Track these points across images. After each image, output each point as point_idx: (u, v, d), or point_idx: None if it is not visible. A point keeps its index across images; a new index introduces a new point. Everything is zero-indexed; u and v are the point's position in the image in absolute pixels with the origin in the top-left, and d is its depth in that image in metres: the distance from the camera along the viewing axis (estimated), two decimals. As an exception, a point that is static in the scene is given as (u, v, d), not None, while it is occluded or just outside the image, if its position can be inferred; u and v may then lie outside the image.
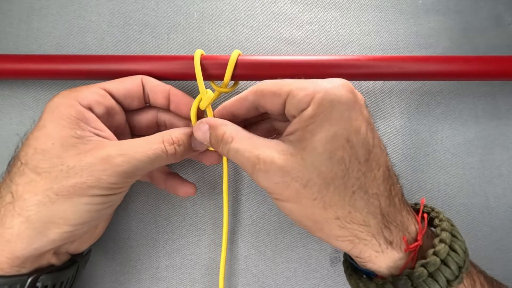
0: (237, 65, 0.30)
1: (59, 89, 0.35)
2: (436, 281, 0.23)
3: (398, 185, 0.25)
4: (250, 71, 0.30)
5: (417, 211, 0.27)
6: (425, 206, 0.28)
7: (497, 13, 0.37)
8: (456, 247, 0.24)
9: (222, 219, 0.34)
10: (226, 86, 0.30)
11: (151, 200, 0.34)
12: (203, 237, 0.34)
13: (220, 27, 0.36)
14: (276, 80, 0.26)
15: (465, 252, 0.24)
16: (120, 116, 0.30)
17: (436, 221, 0.26)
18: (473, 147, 0.36)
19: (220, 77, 0.31)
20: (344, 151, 0.22)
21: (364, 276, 0.27)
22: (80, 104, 0.26)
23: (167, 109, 0.31)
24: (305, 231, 0.34)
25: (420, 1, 0.37)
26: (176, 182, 0.32)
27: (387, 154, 0.25)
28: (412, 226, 0.25)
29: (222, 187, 0.35)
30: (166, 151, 0.26)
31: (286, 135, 0.25)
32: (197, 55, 0.30)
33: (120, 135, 0.30)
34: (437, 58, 0.32)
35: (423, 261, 0.23)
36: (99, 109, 0.27)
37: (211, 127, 0.27)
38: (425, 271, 0.23)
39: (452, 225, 0.26)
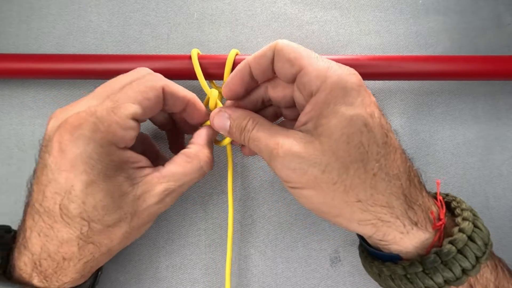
0: (235, 65, 0.30)
1: (59, 89, 0.35)
2: (466, 257, 0.23)
3: (414, 168, 0.25)
4: None
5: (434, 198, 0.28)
6: (447, 195, 0.28)
7: (497, 13, 0.37)
8: (479, 224, 0.24)
9: (222, 219, 0.34)
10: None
11: (151, 200, 0.34)
12: (203, 237, 0.34)
13: (220, 27, 0.36)
14: (293, 44, 0.25)
15: (488, 231, 0.24)
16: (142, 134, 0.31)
17: (458, 211, 0.26)
18: (473, 147, 0.36)
19: (218, 77, 0.31)
20: (362, 135, 0.22)
21: (380, 261, 0.26)
22: (118, 147, 0.25)
23: (177, 113, 0.30)
24: (305, 231, 0.34)
25: (420, 1, 0.37)
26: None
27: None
28: (433, 207, 0.25)
29: (222, 187, 0.35)
30: (205, 171, 0.28)
31: (301, 125, 0.25)
32: (194, 55, 0.30)
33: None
34: (437, 57, 0.32)
35: (450, 238, 0.23)
36: (132, 143, 0.26)
37: (232, 117, 0.27)
38: (454, 247, 0.23)
39: (474, 214, 0.26)
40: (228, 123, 0.27)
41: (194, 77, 0.31)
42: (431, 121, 0.36)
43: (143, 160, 0.27)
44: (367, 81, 0.34)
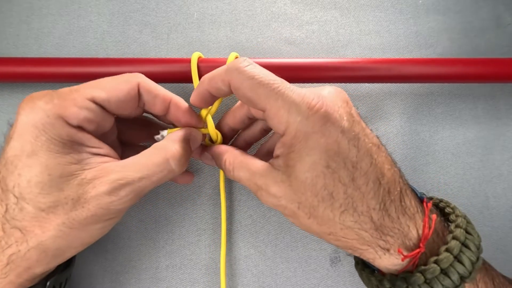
0: None
1: (60, 88, 0.35)
2: (449, 277, 0.23)
3: (397, 190, 0.24)
4: None
5: (434, 204, 0.28)
6: (441, 200, 0.28)
7: (497, 13, 0.37)
8: (469, 243, 0.24)
9: (222, 219, 0.34)
10: None
11: (151, 200, 0.34)
12: (203, 237, 0.34)
13: (220, 27, 0.36)
14: (248, 79, 0.23)
15: (479, 248, 0.24)
16: (110, 124, 0.27)
17: (452, 217, 0.26)
18: (473, 147, 0.36)
19: None
20: (325, 178, 0.23)
21: (373, 270, 0.27)
22: (69, 124, 0.23)
23: (161, 115, 0.29)
24: (304, 231, 0.34)
25: (420, 1, 0.37)
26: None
27: (383, 156, 0.24)
28: (414, 231, 0.24)
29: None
30: (174, 169, 0.25)
31: (275, 157, 0.25)
32: (194, 59, 0.30)
33: (110, 144, 0.27)
34: (436, 60, 0.33)
35: (435, 257, 0.23)
36: (91, 127, 0.25)
37: (213, 157, 0.29)
38: (438, 267, 0.23)
39: (468, 221, 0.26)
40: (214, 163, 0.30)
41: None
42: (431, 121, 0.36)
43: (104, 148, 0.25)
44: (366, 84, 0.34)
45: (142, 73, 0.27)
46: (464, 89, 0.36)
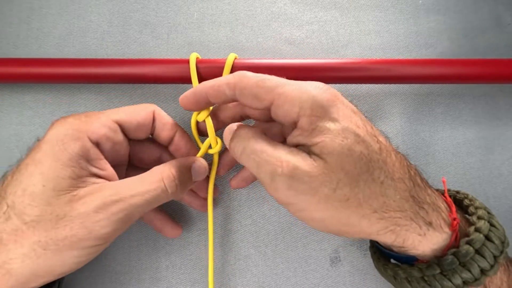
0: (233, 69, 0.30)
1: (59, 90, 0.35)
2: (484, 257, 0.22)
3: (413, 165, 0.25)
4: None
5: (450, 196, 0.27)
6: (457, 192, 0.28)
7: (497, 13, 0.37)
8: (495, 223, 0.24)
9: (222, 219, 0.34)
10: None
11: (151, 200, 0.34)
12: (203, 237, 0.34)
13: (220, 27, 0.36)
14: (255, 78, 0.24)
15: (503, 242, 0.24)
16: (125, 149, 0.28)
17: (472, 209, 0.25)
18: (473, 147, 0.36)
19: None
20: (359, 145, 0.22)
21: (393, 261, 0.26)
22: (89, 138, 0.24)
23: (166, 145, 0.30)
24: (305, 231, 0.34)
25: (420, 1, 0.37)
26: (164, 222, 0.31)
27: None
28: (441, 204, 0.24)
29: (222, 187, 0.35)
30: (167, 189, 0.24)
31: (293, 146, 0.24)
32: (193, 60, 0.30)
33: (118, 167, 0.28)
34: (435, 61, 0.33)
35: (467, 238, 0.23)
36: (107, 145, 0.25)
37: (224, 134, 0.26)
38: (471, 248, 0.22)
39: (488, 212, 0.25)
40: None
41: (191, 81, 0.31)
42: (431, 121, 0.36)
43: (107, 171, 0.25)
44: (366, 84, 0.34)
45: (142, 73, 0.30)
46: (464, 89, 0.36)
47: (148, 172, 0.25)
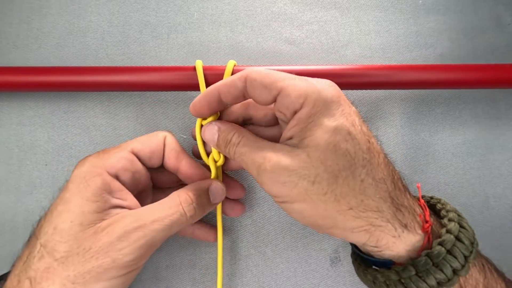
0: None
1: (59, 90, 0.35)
2: (455, 257, 0.23)
3: (397, 171, 0.26)
4: None
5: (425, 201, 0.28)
6: (431, 198, 0.29)
7: (497, 13, 0.37)
8: (465, 224, 0.25)
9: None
10: None
11: (151, 200, 0.34)
12: (203, 237, 0.34)
13: (220, 27, 0.36)
14: (265, 70, 0.25)
15: (473, 242, 0.25)
16: (145, 176, 0.29)
17: (443, 212, 0.26)
18: (473, 147, 0.36)
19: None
20: (347, 143, 0.23)
21: (374, 267, 0.27)
22: (108, 172, 0.25)
23: (173, 169, 0.30)
24: (305, 231, 0.34)
25: (420, 1, 0.37)
26: (206, 231, 0.32)
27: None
28: (417, 208, 0.25)
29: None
30: (185, 213, 0.25)
31: (286, 140, 0.25)
32: (199, 66, 0.30)
33: (143, 192, 0.29)
34: (436, 67, 0.33)
35: (439, 239, 0.24)
36: (126, 176, 0.26)
37: (220, 129, 0.27)
38: (443, 248, 0.23)
39: (459, 215, 0.26)
40: (217, 135, 0.27)
41: (191, 88, 0.31)
42: (431, 121, 0.36)
43: (128, 201, 0.26)
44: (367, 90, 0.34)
45: (145, 81, 0.31)
46: (464, 90, 0.36)
47: (167, 197, 0.26)
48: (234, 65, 0.31)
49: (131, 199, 0.26)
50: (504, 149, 0.36)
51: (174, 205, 0.25)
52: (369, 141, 0.24)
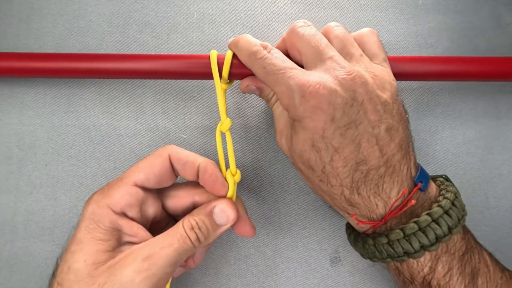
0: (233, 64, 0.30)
1: (59, 89, 0.35)
2: (440, 226, 0.25)
3: (378, 176, 0.26)
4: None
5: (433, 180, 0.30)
6: (442, 182, 0.29)
7: (497, 13, 0.37)
8: (457, 203, 0.26)
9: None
10: (226, 82, 0.31)
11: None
12: (203, 237, 0.34)
13: (220, 27, 0.36)
14: (264, 73, 0.27)
15: (460, 219, 0.26)
16: (155, 206, 0.28)
17: (443, 192, 0.28)
18: (473, 147, 0.36)
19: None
20: (310, 154, 0.26)
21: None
22: (113, 211, 0.25)
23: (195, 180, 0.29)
24: (305, 231, 0.34)
25: (420, 1, 0.37)
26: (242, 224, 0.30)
27: (377, 145, 0.25)
28: (382, 209, 0.26)
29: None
30: (189, 238, 0.25)
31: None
32: (214, 56, 0.30)
33: (159, 221, 0.29)
34: (434, 58, 0.32)
35: (428, 211, 0.26)
36: (133, 211, 0.26)
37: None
38: (429, 218, 0.25)
39: (456, 196, 0.27)
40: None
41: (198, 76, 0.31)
42: (431, 121, 0.36)
43: (139, 237, 0.26)
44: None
45: (154, 68, 0.31)
46: (464, 89, 0.36)
47: (176, 224, 0.26)
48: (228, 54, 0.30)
49: (142, 234, 0.26)
50: (504, 149, 0.36)
51: (179, 232, 0.25)
52: (335, 154, 0.26)
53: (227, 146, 0.29)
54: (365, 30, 0.29)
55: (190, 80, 0.35)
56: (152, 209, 0.28)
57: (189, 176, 0.28)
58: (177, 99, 0.35)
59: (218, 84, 0.30)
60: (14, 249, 0.33)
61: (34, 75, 0.32)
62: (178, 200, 0.29)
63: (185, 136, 0.35)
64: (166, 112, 0.35)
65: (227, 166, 0.29)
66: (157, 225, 0.28)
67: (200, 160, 0.27)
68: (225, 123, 0.29)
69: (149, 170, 0.27)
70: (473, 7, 0.37)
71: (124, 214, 0.26)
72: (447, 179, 0.30)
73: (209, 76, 0.30)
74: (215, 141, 0.30)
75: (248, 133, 0.35)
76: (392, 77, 0.28)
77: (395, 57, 0.32)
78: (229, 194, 0.28)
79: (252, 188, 0.35)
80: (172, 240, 0.25)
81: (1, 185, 0.34)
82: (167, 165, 0.27)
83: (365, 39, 0.29)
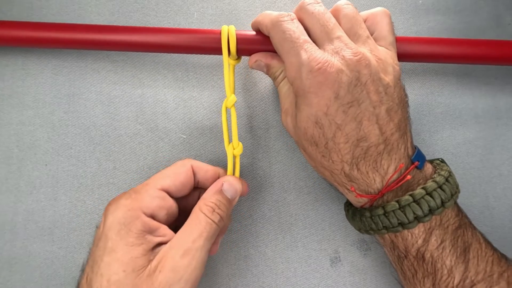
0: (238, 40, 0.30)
1: (60, 89, 0.35)
2: (433, 198, 0.26)
3: (376, 153, 0.27)
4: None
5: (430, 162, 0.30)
6: (438, 164, 0.30)
7: (497, 13, 0.37)
8: (445, 187, 0.27)
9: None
10: (234, 58, 0.31)
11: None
12: (203, 237, 0.34)
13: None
14: (281, 38, 0.27)
15: (453, 195, 0.27)
16: (176, 208, 0.29)
17: (439, 170, 0.29)
18: (473, 147, 0.36)
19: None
20: (313, 130, 0.27)
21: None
22: (145, 213, 0.26)
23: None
24: (305, 231, 0.34)
25: (420, 1, 0.37)
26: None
27: (377, 124, 0.26)
28: (379, 184, 0.27)
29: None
30: (214, 221, 0.27)
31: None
32: (225, 31, 0.30)
33: (174, 221, 0.30)
34: (434, 40, 0.33)
35: (423, 185, 0.27)
36: (162, 214, 0.27)
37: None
38: (424, 191, 0.26)
39: (450, 175, 0.28)
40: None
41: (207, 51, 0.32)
42: (431, 121, 0.36)
43: (168, 236, 0.26)
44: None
45: (165, 41, 0.31)
46: (464, 89, 0.36)
47: (192, 215, 0.27)
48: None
49: (169, 234, 0.27)
50: (504, 149, 0.36)
51: (202, 219, 0.26)
52: (338, 130, 0.26)
53: (231, 122, 0.31)
54: (379, 9, 0.29)
55: (190, 80, 0.35)
56: (175, 211, 0.28)
57: (210, 182, 0.30)
58: (177, 99, 0.35)
59: (226, 59, 0.30)
60: (14, 249, 0.33)
61: (37, 45, 0.33)
62: (192, 200, 0.30)
63: (185, 136, 0.35)
64: (166, 112, 0.35)
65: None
66: (175, 226, 0.29)
67: (217, 169, 0.30)
68: (229, 99, 0.30)
69: (175, 177, 0.28)
70: (473, 7, 0.37)
71: (152, 217, 0.26)
72: (442, 161, 0.30)
73: (218, 51, 0.31)
74: (221, 118, 0.31)
75: (248, 133, 0.35)
76: (396, 61, 0.28)
77: (402, 37, 0.32)
78: (230, 165, 0.30)
79: (252, 188, 0.35)
80: (200, 230, 0.26)
81: (1, 185, 0.34)
82: (190, 174, 0.29)
83: (378, 19, 0.29)
